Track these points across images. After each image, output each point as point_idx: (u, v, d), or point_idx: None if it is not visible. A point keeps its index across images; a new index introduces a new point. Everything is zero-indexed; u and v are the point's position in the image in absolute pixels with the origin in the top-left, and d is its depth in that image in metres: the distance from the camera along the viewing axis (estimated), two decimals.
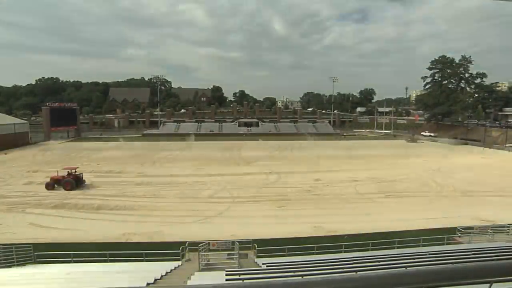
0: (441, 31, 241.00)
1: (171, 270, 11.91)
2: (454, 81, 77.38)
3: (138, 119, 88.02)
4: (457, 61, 75.31)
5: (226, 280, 8.71)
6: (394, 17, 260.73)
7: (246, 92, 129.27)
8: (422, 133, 75.19)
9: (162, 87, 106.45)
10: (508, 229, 17.77)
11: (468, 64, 74.35)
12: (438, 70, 77.11)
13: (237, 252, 14.34)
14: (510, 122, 69.56)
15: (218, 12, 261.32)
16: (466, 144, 62.10)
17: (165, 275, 10.64)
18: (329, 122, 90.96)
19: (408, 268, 1.78)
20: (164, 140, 65.46)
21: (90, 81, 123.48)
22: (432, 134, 72.78)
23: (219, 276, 10.21)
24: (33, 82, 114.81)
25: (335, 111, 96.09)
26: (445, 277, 1.54)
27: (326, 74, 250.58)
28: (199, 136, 72.97)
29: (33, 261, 14.38)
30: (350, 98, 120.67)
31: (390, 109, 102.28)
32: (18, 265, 13.73)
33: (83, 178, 29.14)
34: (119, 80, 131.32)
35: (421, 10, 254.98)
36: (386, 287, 1.47)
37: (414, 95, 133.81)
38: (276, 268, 10.54)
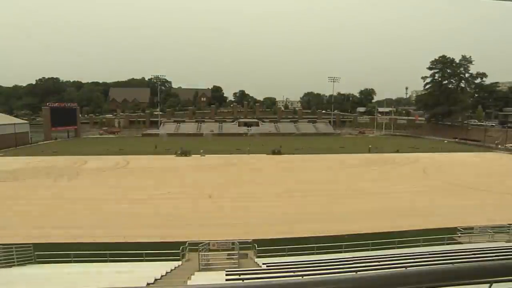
0: None
1: (171, 270, 11.91)
2: (454, 81, 77.38)
3: (138, 119, 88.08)
4: (457, 61, 75.31)
5: (226, 280, 8.71)
6: None
7: (246, 92, 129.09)
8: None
9: (162, 87, 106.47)
10: (508, 229, 17.76)
11: (468, 64, 74.34)
12: (438, 70, 77.11)
13: (237, 252, 14.35)
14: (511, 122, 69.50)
15: None
16: None
17: (165, 275, 10.65)
18: (329, 122, 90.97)
19: (408, 268, 1.76)
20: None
21: (90, 81, 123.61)
22: None
23: (219, 276, 10.21)
24: (33, 82, 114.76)
25: (335, 111, 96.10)
26: (445, 277, 1.53)
27: None
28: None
29: (33, 261, 14.37)
30: (351, 98, 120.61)
31: (390, 109, 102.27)
32: (18, 265, 13.72)
33: None
34: (119, 80, 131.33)
35: None
36: (386, 287, 1.47)
37: (414, 94, 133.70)
38: (276, 268, 10.53)
